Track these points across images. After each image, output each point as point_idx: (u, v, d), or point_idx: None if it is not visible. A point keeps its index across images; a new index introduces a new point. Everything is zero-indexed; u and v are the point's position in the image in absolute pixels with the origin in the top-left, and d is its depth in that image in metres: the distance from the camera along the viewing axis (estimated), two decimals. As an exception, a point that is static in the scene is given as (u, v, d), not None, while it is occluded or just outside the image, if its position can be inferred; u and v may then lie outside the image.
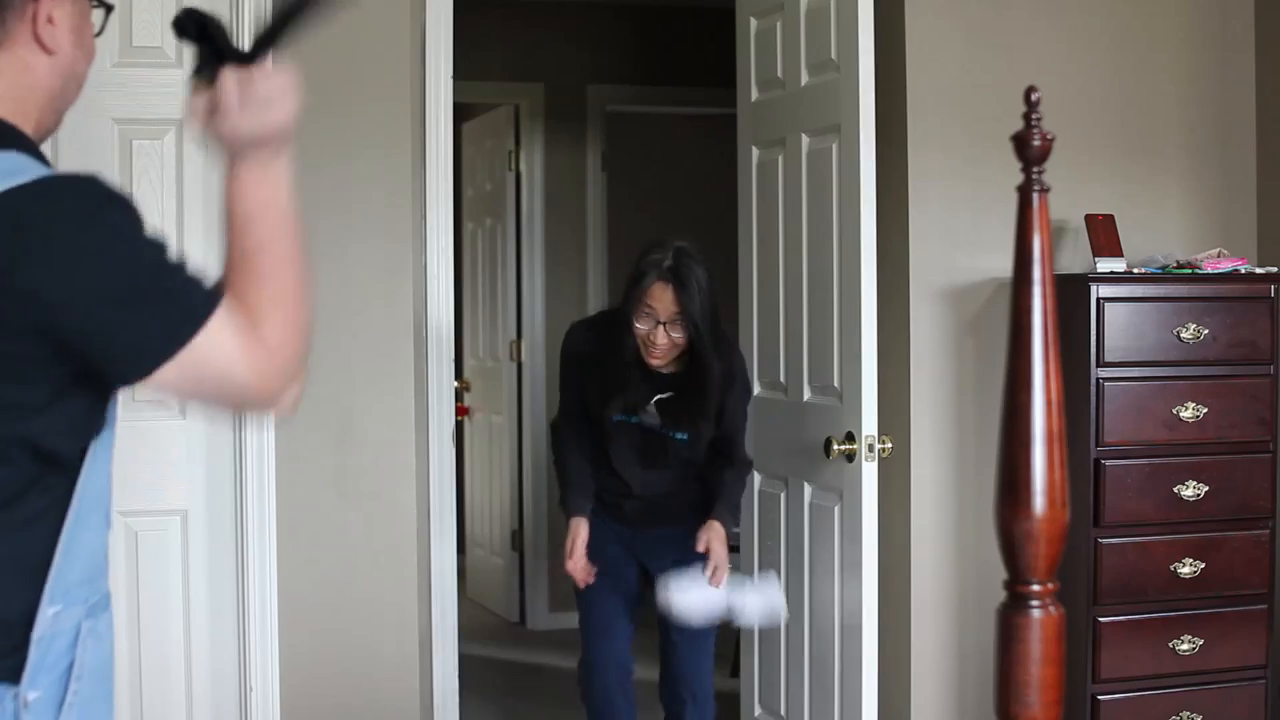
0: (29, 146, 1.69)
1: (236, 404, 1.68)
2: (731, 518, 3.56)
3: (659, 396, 3.51)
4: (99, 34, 1.84)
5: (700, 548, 3.47)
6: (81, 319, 1.52)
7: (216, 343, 1.58)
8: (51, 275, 1.50)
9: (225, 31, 1.66)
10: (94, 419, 1.64)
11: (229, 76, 1.65)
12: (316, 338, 3.64)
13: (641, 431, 3.56)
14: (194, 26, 1.65)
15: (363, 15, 3.64)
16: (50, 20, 1.71)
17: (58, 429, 1.59)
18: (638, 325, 3.42)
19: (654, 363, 3.46)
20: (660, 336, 3.40)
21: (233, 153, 1.69)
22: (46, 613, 1.64)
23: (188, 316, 1.59)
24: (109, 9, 1.83)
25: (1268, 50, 4.20)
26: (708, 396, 3.47)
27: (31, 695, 1.62)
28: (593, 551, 3.60)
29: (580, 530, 3.58)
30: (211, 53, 1.67)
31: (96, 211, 1.55)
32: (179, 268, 1.64)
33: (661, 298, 3.38)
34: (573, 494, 3.63)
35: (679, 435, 3.54)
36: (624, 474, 3.60)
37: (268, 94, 1.66)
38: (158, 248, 1.62)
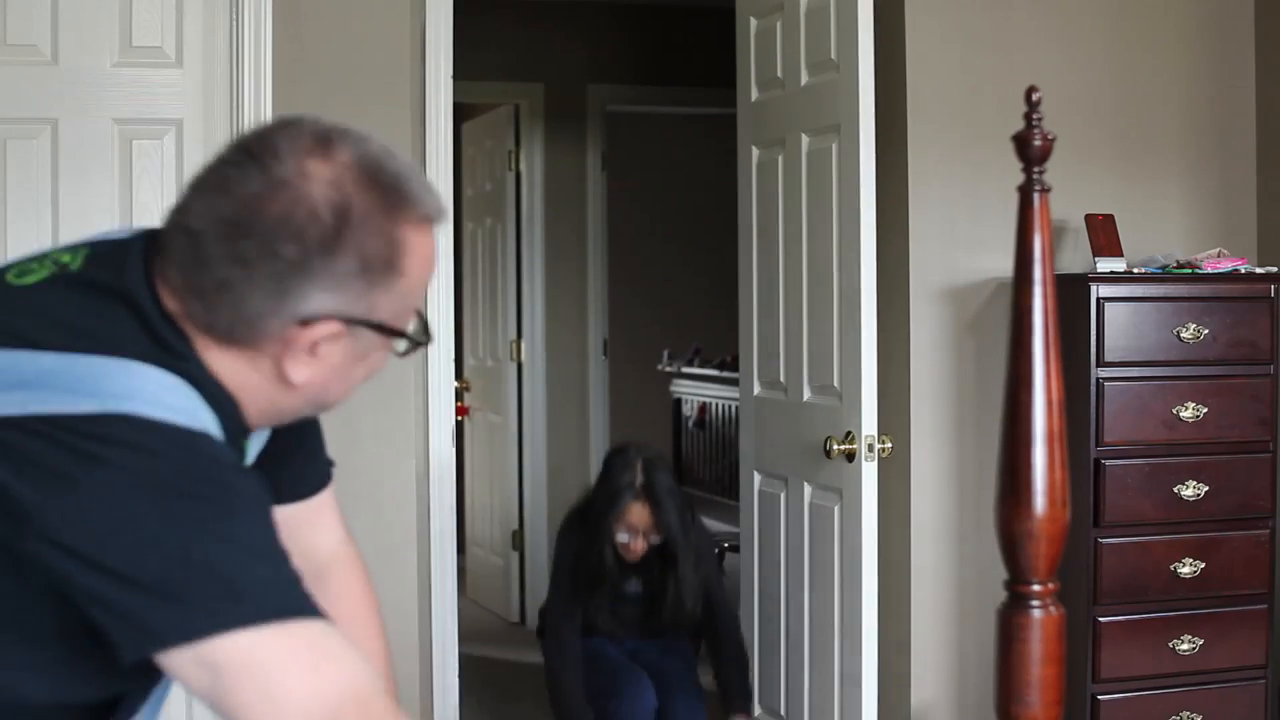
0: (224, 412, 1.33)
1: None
2: (749, 703, 3.89)
3: (631, 587, 3.85)
4: (402, 354, 1.42)
5: None
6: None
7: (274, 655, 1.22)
8: None
9: None
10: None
11: None
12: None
13: (627, 611, 3.89)
14: None
15: (363, 15, 3.65)
16: (312, 351, 1.32)
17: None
18: (619, 537, 3.74)
19: (630, 559, 3.79)
20: (639, 544, 3.75)
21: None
22: None
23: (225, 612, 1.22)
24: (424, 344, 1.42)
25: (1268, 50, 4.20)
26: (684, 587, 3.78)
27: None
28: (598, 669, 3.83)
29: None
30: None
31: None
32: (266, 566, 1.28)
33: (639, 515, 3.73)
34: (565, 710, 3.80)
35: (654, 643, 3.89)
36: (612, 685, 3.81)
37: None
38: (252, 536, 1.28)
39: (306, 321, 1.28)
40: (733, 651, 3.87)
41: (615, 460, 3.81)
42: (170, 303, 1.30)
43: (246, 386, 1.33)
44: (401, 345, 1.38)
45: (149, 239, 1.35)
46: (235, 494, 1.24)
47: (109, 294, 1.29)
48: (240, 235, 1.29)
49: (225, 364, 1.31)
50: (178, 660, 1.20)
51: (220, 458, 1.26)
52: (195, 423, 1.25)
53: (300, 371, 1.32)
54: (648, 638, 3.90)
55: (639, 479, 3.73)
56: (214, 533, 1.21)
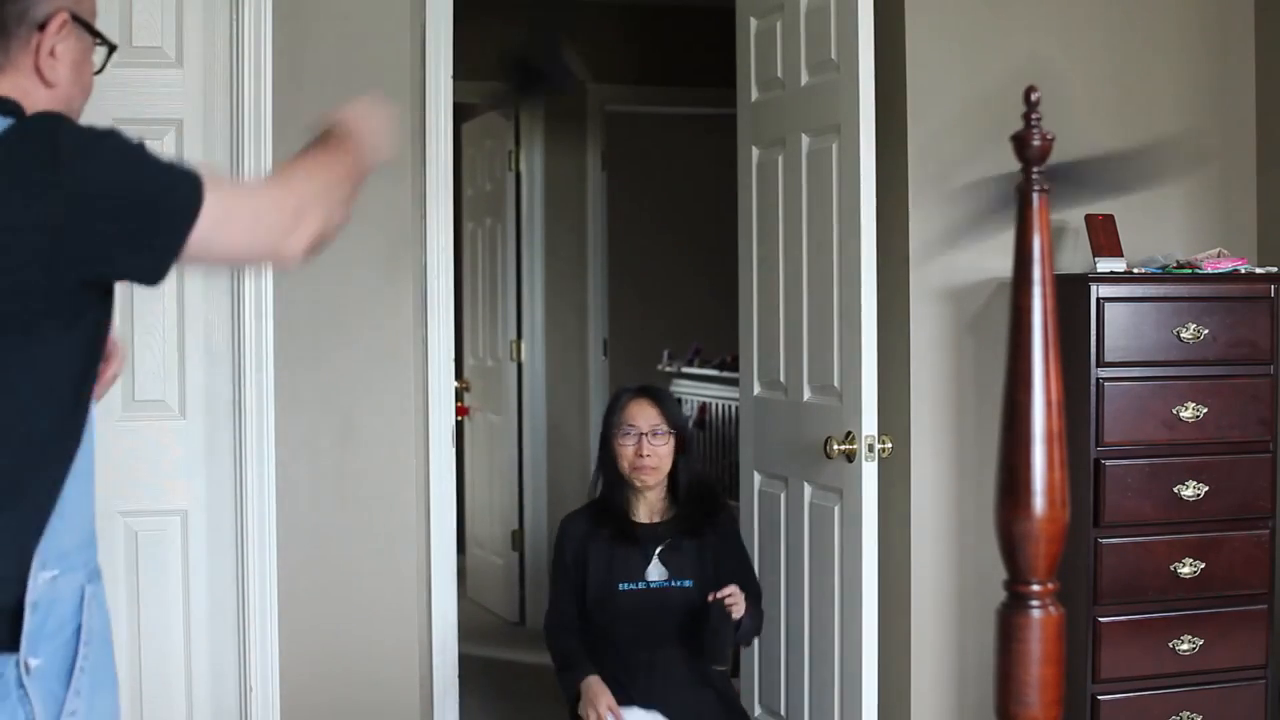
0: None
1: (240, 260, 1.94)
2: (753, 606, 3.47)
3: (660, 547, 3.52)
4: (98, 72, 1.96)
5: (720, 594, 3.36)
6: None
7: (216, 221, 1.73)
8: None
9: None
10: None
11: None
12: (316, 337, 3.63)
13: (648, 599, 3.48)
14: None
15: (363, 15, 3.64)
16: (52, 54, 1.83)
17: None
18: (623, 445, 3.54)
19: (646, 480, 3.54)
20: (646, 448, 3.53)
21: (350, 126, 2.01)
22: (41, 576, 1.64)
23: (180, 221, 1.71)
24: (111, 48, 1.95)
25: (1268, 50, 4.19)
26: (706, 521, 3.56)
27: (33, 662, 1.62)
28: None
29: (598, 688, 3.37)
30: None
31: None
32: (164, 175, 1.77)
33: (640, 411, 3.56)
34: (574, 667, 3.47)
35: (684, 583, 3.50)
36: (632, 660, 3.46)
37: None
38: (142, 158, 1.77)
39: (43, 26, 1.81)
40: (755, 596, 3.52)
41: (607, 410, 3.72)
42: None
43: (25, 98, 1.82)
44: (101, 50, 1.93)
45: None
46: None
47: None
48: None
49: (6, 85, 1.81)
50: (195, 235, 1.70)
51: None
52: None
53: (54, 69, 1.83)
54: (659, 645, 3.49)
55: (634, 386, 3.67)
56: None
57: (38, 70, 1.82)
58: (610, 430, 3.58)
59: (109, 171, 1.68)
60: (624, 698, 3.38)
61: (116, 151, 1.71)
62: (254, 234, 1.78)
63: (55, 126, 1.70)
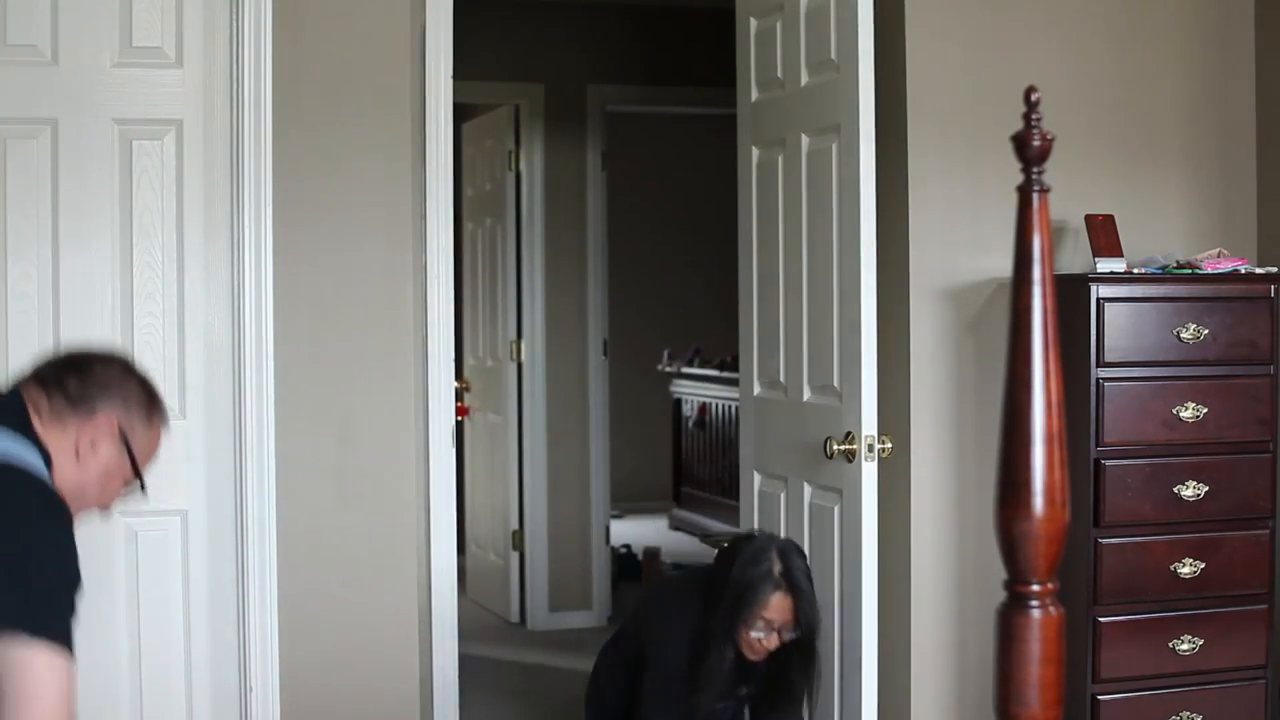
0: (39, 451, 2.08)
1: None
2: None
3: (745, 690, 3.44)
4: (120, 498, 2.22)
5: None
6: None
7: (38, 667, 1.89)
8: None
9: None
10: None
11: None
12: (316, 337, 3.63)
13: (708, 715, 3.43)
14: None
15: (363, 15, 3.64)
16: (93, 445, 2.12)
17: None
18: (752, 635, 3.32)
19: (753, 659, 3.38)
20: (773, 641, 3.35)
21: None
22: None
23: (39, 621, 1.92)
24: (143, 486, 2.22)
25: (1268, 50, 4.20)
26: (808, 681, 3.43)
27: None
28: None
29: None
30: None
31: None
32: (70, 593, 2.00)
33: (779, 607, 3.33)
34: None
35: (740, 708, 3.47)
36: None
37: None
38: (71, 567, 2.01)
39: (94, 416, 2.11)
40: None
41: (744, 548, 3.41)
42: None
43: (55, 455, 2.08)
44: (134, 482, 2.18)
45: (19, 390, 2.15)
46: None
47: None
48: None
49: (52, 435, 2.09)
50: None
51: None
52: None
53: (87, 458, 2.10)
54: None
55: (777, 566, 3.33)
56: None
57: (76, 446, 2.09)
58: (743, 613, 3.31)
59: (36, 534, 1.94)
60: None
61: (54, 534, 1.98)
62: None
63: (36, 493, 1.99)
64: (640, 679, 3.49)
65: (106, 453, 2.12)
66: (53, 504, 2.01)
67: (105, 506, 2.19)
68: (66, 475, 2.09)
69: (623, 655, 3.67)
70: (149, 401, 2.20)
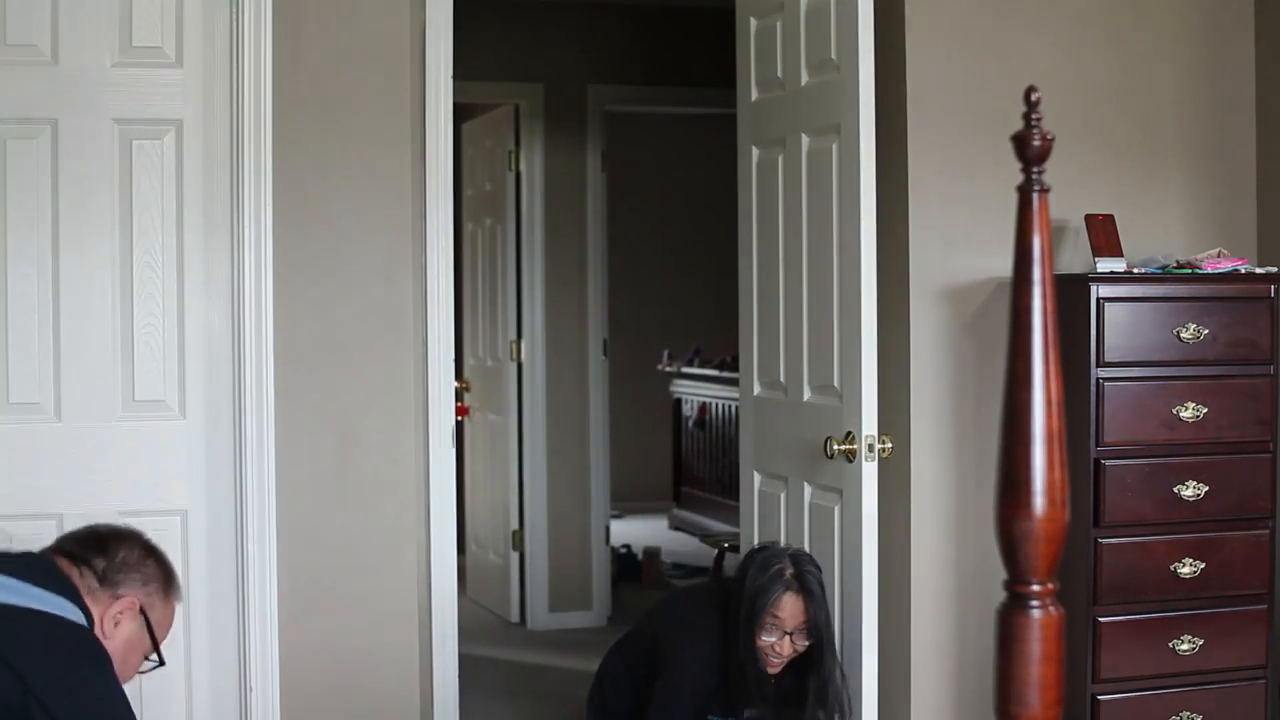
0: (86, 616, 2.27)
1: None
2: None
3: (763, 693, 3.44)
4: (142, 670, 2.41)
5: None
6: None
7: None
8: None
9: None
10: None
11: None
12: (315, 338, 3.62)
13: None
14: None
15: (363, 15, 3.64)
16: (116, 622, 2.32)
17: None
18: (764, 638, 3.37)
19: (771, 670, 3.42)
20: (786, 647, 3.39)
21: None
22: None
23: None
24: (161, 663, 2.42)
25: (1268, 50, 4.19)
26: (820, 703, 3.43)
27: None
28: None
29: None
30: None
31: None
32: None
33: (791, 609, 3.37)
34: None
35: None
36: None
37: None
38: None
39: (118, 596, 2.33)
40: None
41: (756, 557, 3.47)
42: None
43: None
44: (152, 657, 2.39)
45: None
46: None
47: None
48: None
49: (91, 601, 2.29)
50: None
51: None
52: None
53: (112, 631, 2.31)
54: None
55: (789, 569, 3.39)
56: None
57: (101, 623, 2.29)
58: (755, 615, 3.36)
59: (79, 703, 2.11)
60: None
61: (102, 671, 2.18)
62: None
63: (89, 654, 2.19)
64: (650, 685, 3.49)
65: (128, 629, 2.32)
66: (103, 656, 2.22)
67: (126, 679, 2.34)
68: None
69: (630, 660, 3.67)
70: (166, 580, 2.42)
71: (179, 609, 2.50)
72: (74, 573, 2.30)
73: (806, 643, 3.40)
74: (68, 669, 2.12)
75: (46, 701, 2.07)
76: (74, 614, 2.24)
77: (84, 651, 2.18)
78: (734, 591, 3.45)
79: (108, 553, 2.34)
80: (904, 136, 3.92)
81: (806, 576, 3.40)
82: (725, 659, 3.40)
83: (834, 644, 3.46)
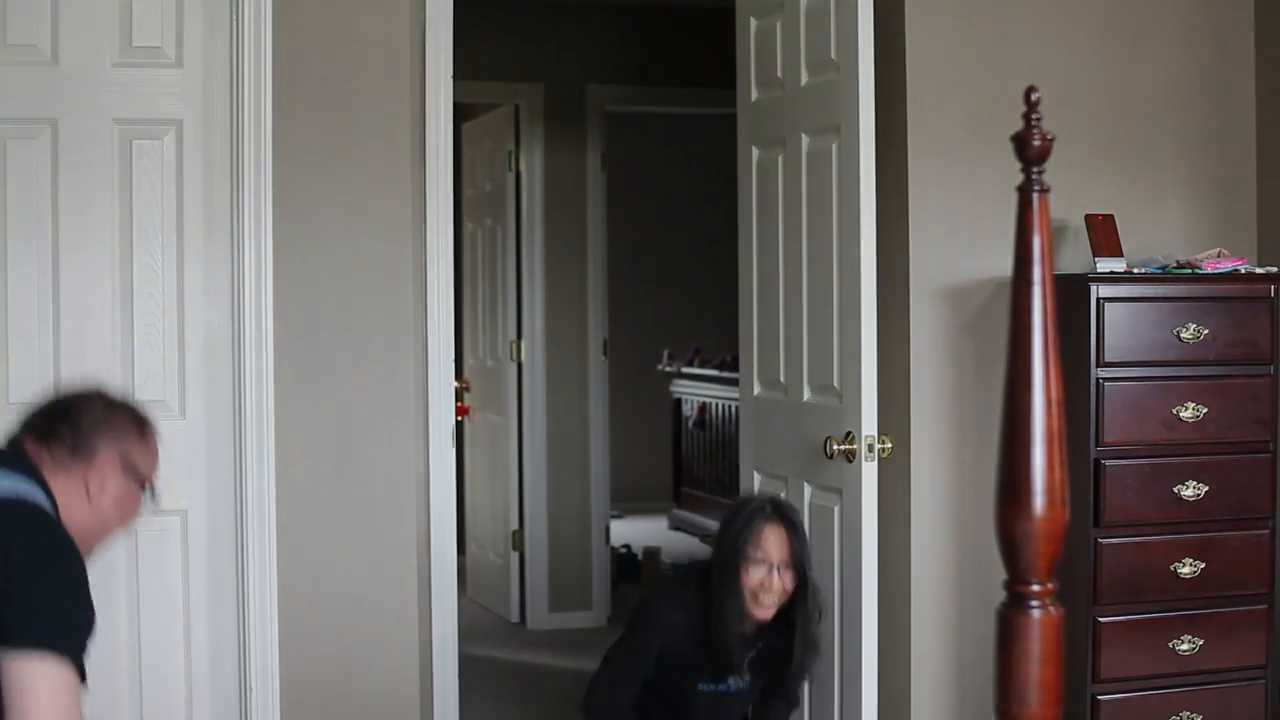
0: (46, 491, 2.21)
1: None
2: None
3: (750, 654, 3.39)
4: (140, 512, 2.39)
5: None
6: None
7: (50, 683, 2.01)
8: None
9: None
10: None
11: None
12: (316, 337, 3.62)
13: (722, 701, 3.41)
14: None
15: (363, 15, 3.65)
16: (102, 485, 2.28)
17: None
18: (751, 574, 3.28)
19: (762, 615, 3.33)
20: (775, 583, 3.30)
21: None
22: None
23: (54, 639, 2.03)
24: (154, 495, 2.40)
25: (1267, 50, 4.19)
26: (808, 647, 3.40)
27: None
28: None
29: None
30: None
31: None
32: (85, 626, 2.12)
33: (774, 540, 3.31)
34: None
35: (754, 684, 3.44)
36: None
37: None
38: (85, 601, 2.14)
39: (93, 459, 2.27)
40: (792, 710, 3.58)
41: (732, 508, 3.45)
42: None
43: (68, 502, 2.25)
44: (148, 495, 2.36)
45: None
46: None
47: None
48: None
49: (59, 483, 2.24)
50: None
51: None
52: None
53: (99, 495, 2.27)
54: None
55: (767, 506, 3.36)
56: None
57: (86, 488, 2.26)
58: (738, 553, 3.29)
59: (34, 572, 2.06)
60: None
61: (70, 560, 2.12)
62: None
63: (48, 526, 2.14)
64: (650, 672, 3.43)
65: (115, 487, 2.29)
66: (61, 539, 2.16)
67: (127, 525, 2.37)
68: (82, 516, 2.26)
69: (626, 655, 3.61)
70: (137, 426, 2.37)
71: (160, 444, 2.44)
72: (43, 453, 2.25)
73: (792, 580, 3.33)
74: (28, 555, 2.08)
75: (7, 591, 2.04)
76: (37, 497, 2.19)
77: (44, 537, 2.14)
78: (714, 551, 3.41)
79: (72, 419, 2.29)
80: (904, 136, 3.92)
81: (785, 509, 3.37)
82: (708, 619, 3.33)
83: (815, 585, 3.41)
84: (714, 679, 3.42)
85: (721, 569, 3.33)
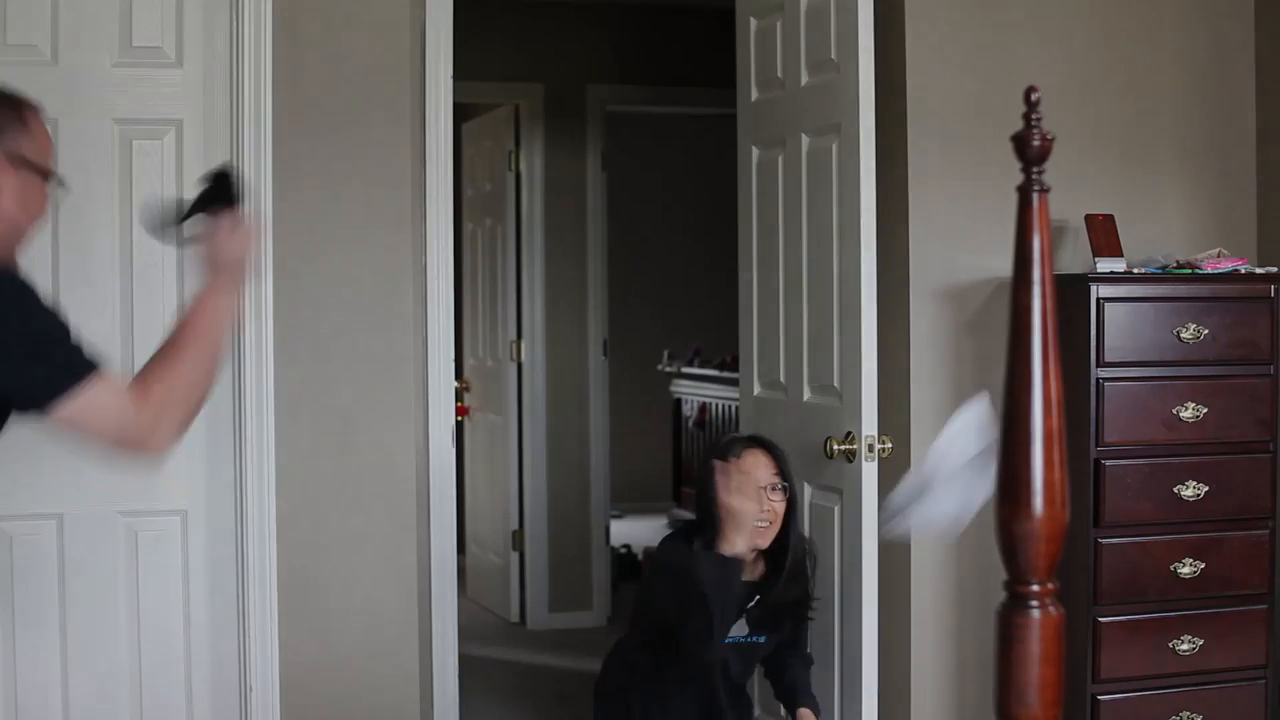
0: None
1: (109, 447, 2.14)
2: (816, 706, 3.51)
3: (751, 604, 3.36)
4: (51, 197, 2.31)
5: None
6: None
7: (94, 400, 2.07)
8: None
9: (237, 183, 2.29)
10: None
11: (229, 214, 2.27)
12: (316, 337, 3.64)
13: (726, 652, 3.32)
14: (219, 177, 2.27)
15: (363, 16, 3.65)
16: None
17: None
18: (745, 504, 3.17)
19: (761, 544, 3.30)
20: (765, 503, 3.28)
21: (210, 272, 2.26)
22: None
23: (68, 375, 2.07)
24: (57, 182, 2.31)
25: (1268, 50, 4.20)
26: (801, 579, 3.41)
27: None
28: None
29: None
30: (221, 194, 2.28)
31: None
32: (66, 338, 2.13)
33: (757, 463, 3.32)
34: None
35: (760, 638, 3.40)
36: (682, 705, 3.33)
37: (243, 234, 2.29)
38: (53, 318, 2.14)
39: None
40: (808, 660, 3.60)
41: (712, 444, 3.53)
42: None
43: None
44: (53, 183, 2.26)
45: None
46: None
47: None
48: None
49: None
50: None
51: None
52: None
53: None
54: (731, 697, 3.42)
55: (743, 436, 3.44)
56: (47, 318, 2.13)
57: None
58: (723, 479, 3.21)
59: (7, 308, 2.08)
60: None
61: (16, 298, 2.12)
62: (119, 435, 2.11)
63: None
64: (659, 665, 3.35)
65: (12, 183, 2.20)
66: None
67: (40, 217, 2.29)
68: None
69: (636, 641, 3.48)
70: (14, 113, 2.28)
71: (46, 122, 2.36)
72: None
73: (782, 501, 3.32)
74: None
75: None
76: None
77: None
78: (698, 492, 3.38)
79: None
80: (904, 136, 3.92)
81: (762, 437, 3.43)
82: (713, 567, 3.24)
83: (810, 542, 3.49)
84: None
85: (708, 504, 3.24)
